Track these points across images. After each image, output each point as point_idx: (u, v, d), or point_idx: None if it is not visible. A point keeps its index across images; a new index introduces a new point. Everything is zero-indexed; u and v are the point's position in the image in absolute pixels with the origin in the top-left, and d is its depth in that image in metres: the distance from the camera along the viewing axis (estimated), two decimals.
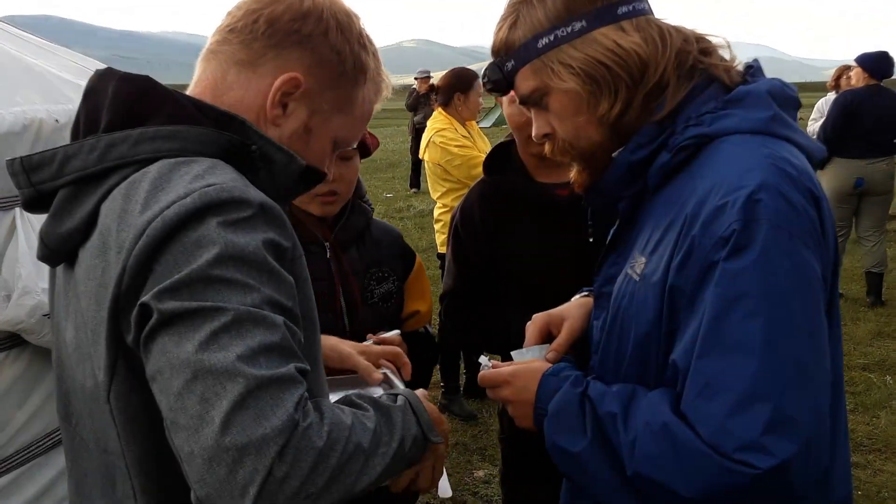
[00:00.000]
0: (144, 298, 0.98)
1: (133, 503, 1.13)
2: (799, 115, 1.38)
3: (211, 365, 0.93)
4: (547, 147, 1.39)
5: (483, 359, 1.46)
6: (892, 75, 6.65)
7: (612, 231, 1.42)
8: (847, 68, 8.07)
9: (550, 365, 1.36)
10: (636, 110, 1.28)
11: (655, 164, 1.27)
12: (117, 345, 1.05)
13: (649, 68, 1.25)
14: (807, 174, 1.18)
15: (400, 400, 1.19)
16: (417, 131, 12.10)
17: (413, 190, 13.78)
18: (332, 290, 1.97)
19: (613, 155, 1.32)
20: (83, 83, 2.78)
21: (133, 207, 1.04)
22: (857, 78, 6.70)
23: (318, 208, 1.96)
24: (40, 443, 2.35)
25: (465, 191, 4.75)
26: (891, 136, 6.41)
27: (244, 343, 0.95)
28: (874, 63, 6.54)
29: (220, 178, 1.05)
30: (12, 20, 3.26)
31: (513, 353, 1.51)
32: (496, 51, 1.35)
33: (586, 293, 1.62)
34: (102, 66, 3.27)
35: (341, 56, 1.24)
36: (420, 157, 4.81)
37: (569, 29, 1.27)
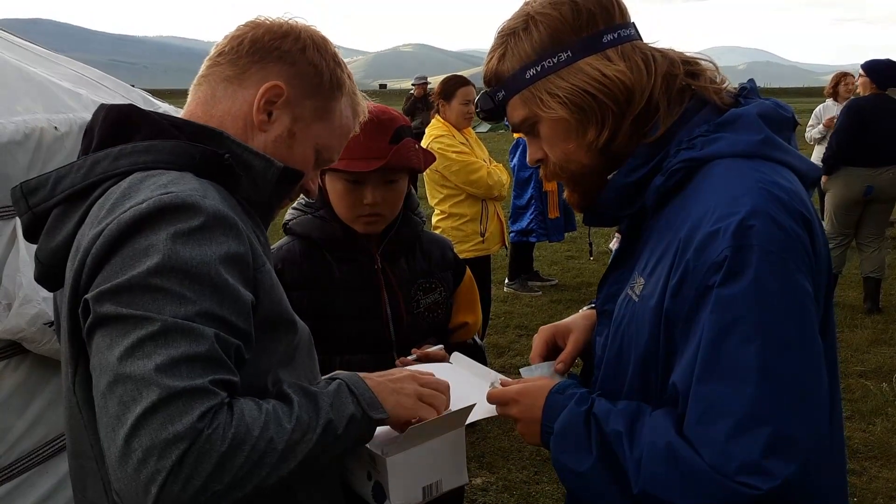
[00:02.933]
0: (87, 296, 1.09)
1: (105, 502, 1.21)
2: (798, 120, 1.39)
3: (131, 372, 1.03)
4: (541, 171, 1.43)
5: (493, 375, 1.48)
6: None
7: (614, 250, 1.46)
8: (844, 75, 8.09)
9: (556, 382, 1.37)
10: (625, 135, 1.31)
11: (651, 186, 1.29)
12: (77, 339, 1.16)
13: (635, 95, 1.28)
14: (798, 197, 1.20)
15: (334, 384, 1.26)
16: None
17: None
18: (379, 301, 2.01)
19: (609, 177, 1.34)
20: (83, 92, 2.81)
21: (100, 213, 1.15)
22: (863, 87, 6.71)
23: (362, 227, 2.00)
24: (41, 451, 2.35)
25: (463, 197, 4.83)
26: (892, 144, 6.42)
27: (167, 353, 1.04)
28: (881, 73, 6.53)
29: (181, 187, 1.15)
30: (3, 24, 3.26)
31: (521, 370, 1.54)
32: (487, 81, 1.39)
33: (592, 305, 1.64)
34: (102, 74, 3.28)
35: (318, 70, 1.37)
36: None
37: (554, 60, 1.30)
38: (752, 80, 1.40)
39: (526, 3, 1.35)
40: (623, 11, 1.33)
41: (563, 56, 1.30)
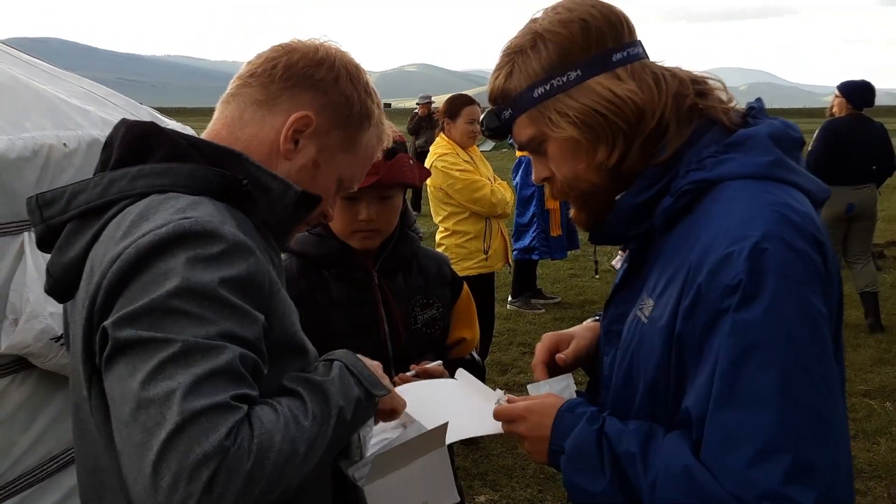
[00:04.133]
0: (105, 323, 1.07)
1: None
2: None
3: (154, 396, 1.02)
4: (548, 190, 1.42)
5: (498, 392, 1.46)
6: (872, 105, 6.75)
7: (621, 270, 1.44)
8: None
9: (565, 400, 1.36)
10: (635, 155, 1.30)
11: (660, 207, 1.28)
12: (92, 361, 1.14)
13: (646, 114, 1.27)
14: (810, 219, 1.19)
15: (335, 367, 1.26)
16: (418, 155, 12.17)
17: (414, 213, 13.81)
18: (376, 317, 2.01)
19: (617, 198, 1.33)
20: (91, 108, 2.83)
21: (117, 235, 1.15)
22: (839, 107, 6.79)
23: (358, 243, 2.00)
24: (45, 467, 2.35)
25: (467, 214, 4.85)
26: (873, 164, 6.58)
27: (190, 372, 1.03)
28: (856, 93, 6.65)
29: (200, 212, 1.14)
30: (13, 43, 3.29)
31: (528, 387, 1.51)
32: (493, 99, 1.37)
33: (596, 319, 1.64)
34: (111, 91, 3.31)
35: (350, 101, 1.36)
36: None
37: (564, 78, 1.28)
38: (759, 100, 1.39)
39: (533, 21, 1.33)
40: (631, 29, 1.32)
41: (573, 75, 1.28)
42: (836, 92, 6.85)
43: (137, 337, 1.05)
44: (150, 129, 1.28)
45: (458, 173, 4.76)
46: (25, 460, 2.32)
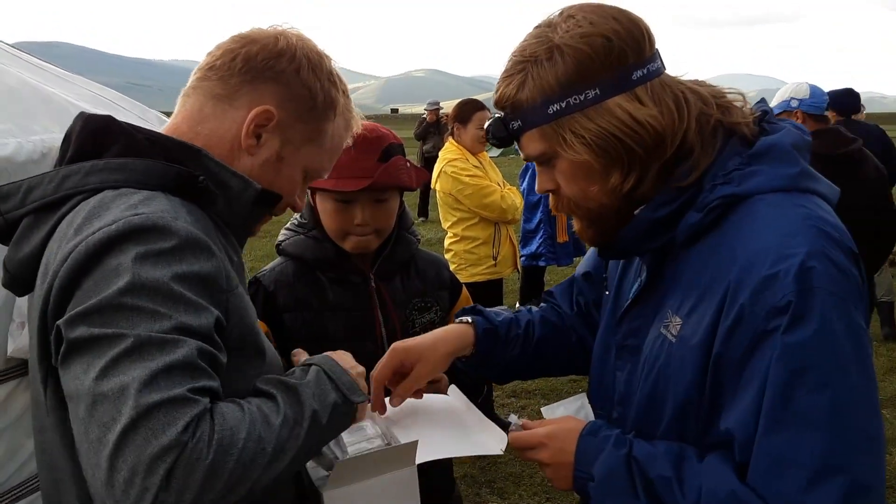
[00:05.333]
0: (59, 322, 1.06)
1: None
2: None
3: (108, 391, 1.00)
4: (552, 202, 1.36)
5: (512, 417, 1.42)
6: (858, 111, 6.67)
7: (636, 284, 1.39)
8: None
9: (586, 424, 1.32)
10: (651, 181, 1.25)
11: (684, 222, 1.24)
12: (47, 360, 1.14)
13: (665, 140, 1.22)
14: (843, 231, 1.18)
15: (312, 371, 1.23)
16: (426, 160, 12.17)
17: (421, 219, 13.82)
18: (373, 321, 1.99)
19: (636, 212, 1.29)
20: (100, 112, 2.81)
21: (69, 232, 1.14)
22: (832, 118, 6.79)
23: (353, 246, 1.97)
24: None
25: (476, 220, 4.83)
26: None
27: (144, 366, 1.01)
28: (842, 101, 6.55)
29: (152, 208, 1.13)
30: (22, 47, 3.30)
31: (543, 410, 1.48)
32: (501, 106, 1.30)
33: (466, 320, 1.62)
34: (119, 95, 3.31)
35: (312, 92, 1.33)
36: (432, 186, 4.84)
37: (581, 97, 1.21)
38: (763, 100, 1.36)
39: (549, 28, 1.25)
40: (652, 42, 1.25)
41: (591, 94, 1.21)
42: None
43: (90, 334, 1.03)
44: (107, 123, 1.26)
45: (467, 179, 4.74)
46: (31, 464, 2.31)
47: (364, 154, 1.89)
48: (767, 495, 1.09)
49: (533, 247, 7.14)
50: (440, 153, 5.09)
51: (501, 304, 5.21)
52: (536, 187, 1.37)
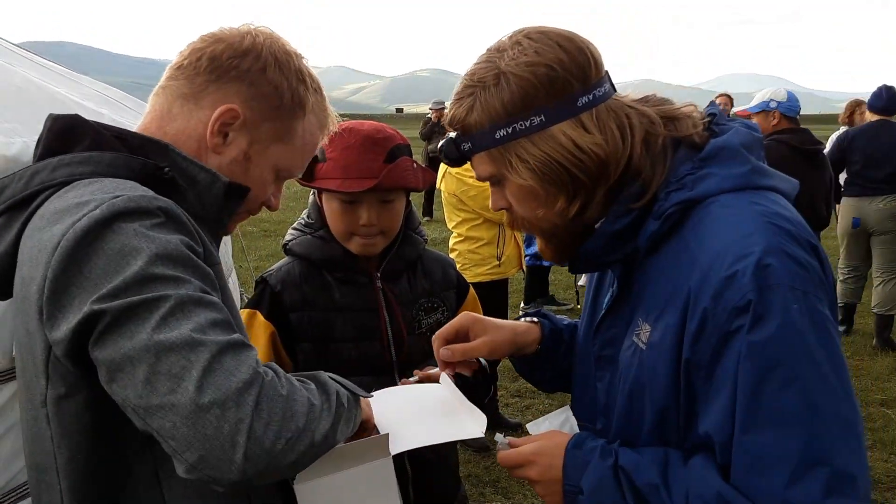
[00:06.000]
0: (86, 308, 1.04)
1: None
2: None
3: (171, 343, 1.01)
4: (506, 218, 1.39)
5: (499, 436, 1.42)
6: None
7: (608, 295, 1.41)
8: (860, 103, 8.05)
9: (570, 437, 1.33)
10: (597, 206, 1.27)
11: (644, 231, 1.25)
12: (47, 353, 1.13)
13: (609, 166, 1.23)
14: (800, 224, 1.19)
15: (320, 374, 1.25)
16: (431, 160, 12.15)
17: (426, 218, 13.82)
18: (379, 321, 1.98)
19: (596, 226, 1.30)
20: (105, 111, 2.83)
21: (44, 224, 1.13)
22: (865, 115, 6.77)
23: (358, 247, 1.96)
24: None
25: (480, 220, 4.83)
26: (881, 172, 6.33)
27: (193, 320, 1.04)
28: (875, 99, 6.52)
29: (128, 190, 1.13)
30: (27, 46, 3.32)
31: (528, 426, 1.48)
32: (453, 127, 1.32)
33: (531, 320, 1.62)
34: (125, 95, 3.32)
35: (279, 90, 1.32)
36: (437, 186, 4.84)
37: (527, 123, 1.23)
38: (713, 103, 1.37)
39: (497, 52, 1.26)
40: (599, 66, 1.26)
41: (536, 120, 1.22)
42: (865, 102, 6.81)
43: (128, 303, 1.03)
44: (74, 121, 1.26)
45: (471, 180, 4.74)
46: None
47: (370, 155, 1.89)
48: (752, 494, 1.10)
49: (537, 246, 7.13)
50: None
51: (507, 304, 5.21)
52: (491, 205, 1.38)
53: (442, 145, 1.35)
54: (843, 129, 8.02)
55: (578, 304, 7.68)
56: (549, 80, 1.22)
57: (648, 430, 1.26)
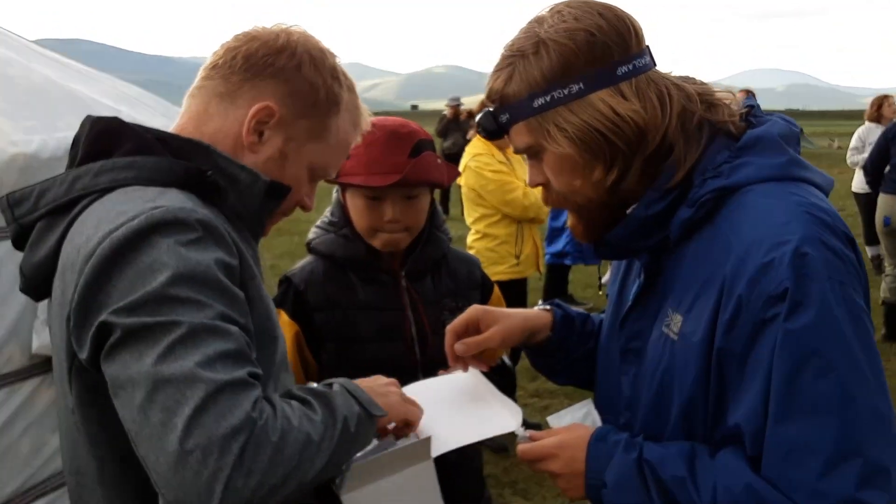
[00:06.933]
0: (102, 317, 1.05)
1: None
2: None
3: (170, 375, 1.00)
4: (542, 195, 1.37)
5: (519, 430, 1.41)
6: None
7: (635, 286, 1.39)
8: (886, 97, 7.95)
9: (593, 430, 1.32)
10: (635, 176, 1.25)
11: (676, 218, 1.24)
12: (72, 360, 1.14)
13: (647, 135, 1.21)
14: (836, 216, 1.18)
15: (336, 386, 1.25)
16: (447, 157, 12.16)
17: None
18: (403, 320, 1.96)
19: (627, 211, 1.29)
20: (123, 109, 2.83)
21: (86, 231, 1.13)
22: None
23: (382, 243, 1.94)
24: None
25: (499, 217, 4.80)
26: None
27: (201, 352, 1.02)
28: None
29: (168, 201, 1.13)
30: (43, 44, 3.33)
31: (549, 419, 1.46)
32: (491, 99, 1.32)
33: (546, 308, 1.61)
34: (142, 92, 3.31)
35: (314, 88, 1.32)
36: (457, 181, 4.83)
37: (565, 91, 1.22)
38: (751, 95, 1.36)
39: (537, 23, 1.26)
40: (640, 38, 1.26)
41: (575, 88, 1.22)
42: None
43: (141, 324, 1.03)
44: (114, 124, 1.26)
45: (490, 174, 4.71)
46: (56, 460, 2.32)
47: (394, 150, 1.86)
48: (784, 485, 1.09)
49: (559, 245, 7.09)
50: (467, 148, 5.07)
51: (525, 304, 5.18)
52: (528, 181, 1.37)
53: (479, 119, 1.34)
54: (867, 124, 7.92)
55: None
56: (589, 46, 1.21)
57: (675, 424, 1.25)
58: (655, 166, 1.25)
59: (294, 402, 1.13)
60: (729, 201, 1.21)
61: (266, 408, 1.05)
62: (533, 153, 1.31)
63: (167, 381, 1.00)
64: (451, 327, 1.55)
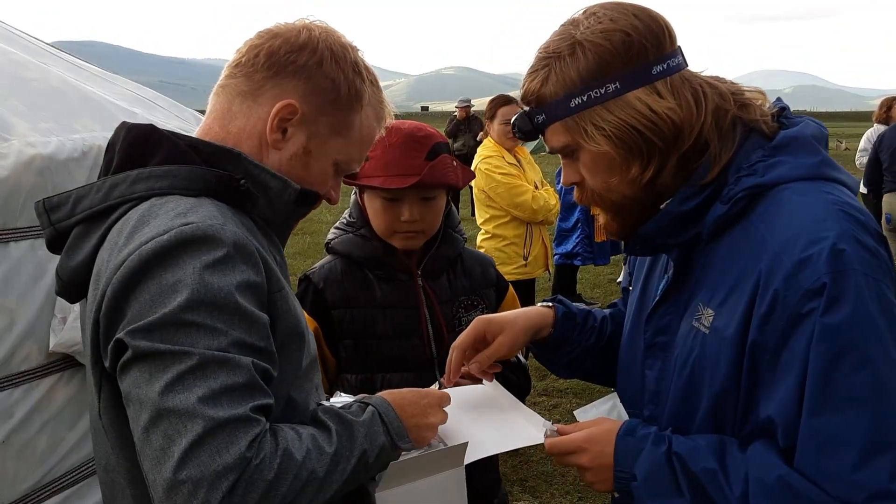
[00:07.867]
0: (119, 335, 1.09)
1: None
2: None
3: (174, 406, 1.04)
4: (576, 194, 1.39)
5: (546, 424, 1.42)
6: None
7: (662, 282, 1.41)
8: (895, 98, 7.92)
9: (621, 424, 1.33)
10: (670, 172, 1.28)
11: (711, 215, 1.26)
12: (100, 366, 1.17)
13: (683, 132, 1.25)
14: (868, 215, 1.21)
15: (368, 412, 1.26)
16: (456, 157, 12.16)
17: None
18: (419, 319, 2.01)
19: (662, 206, 1.31)
20: (138, 111, 2.86)
21: (119, 240, 1.16)
22: None
23: (400, 243, 2.00)
24: (90, 464, 2.38)
25: (508, 218, 4.82)
26: None
27: (207, 385, 1.05)
28: None
29: (201, 216, 1.15)
30: (58, 46, 3.36)
31: (576, 413, 1.49)
32: (527, 101, 1.34)
33: (548, 304, 1.64)
34: (157, 94, 3.34)
35: (336, 83, 1.32)
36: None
37: (602, 90, 1.25)
38: (779, 99, 1.38)
39: (572, 25, 1.29)
40: (672, 38, 1.29)
41: (611, 87, 1.25)
42: None
43: (154, 349, 1.06)
44: (149, 131, 1.28)
45: (499, 176, 4.73)
46: (72, 456, 2.35)
47: (412, 152, 1.92)
48: (817, 477, 1.11)
49: (569, 246, 7.10)
50: (478, 149, 5.09)
51: (533, 304, 5.19)
52: (562, 180, 1.40)
53: (515, 120, 1.37)
54: (876, 126, 7.89)
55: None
56: (625, 46, 1.24)
57: (703, 417, 1.27)
58: (690, 163, 1.27)
59: (307, 432, 1.16)
60: (763, 199, 1.24)
61: (266, 445, 1.07)
62: (569, 152, 1.34)
63: (170, 412, 1.03)
64: (458, 344, 1.57)
